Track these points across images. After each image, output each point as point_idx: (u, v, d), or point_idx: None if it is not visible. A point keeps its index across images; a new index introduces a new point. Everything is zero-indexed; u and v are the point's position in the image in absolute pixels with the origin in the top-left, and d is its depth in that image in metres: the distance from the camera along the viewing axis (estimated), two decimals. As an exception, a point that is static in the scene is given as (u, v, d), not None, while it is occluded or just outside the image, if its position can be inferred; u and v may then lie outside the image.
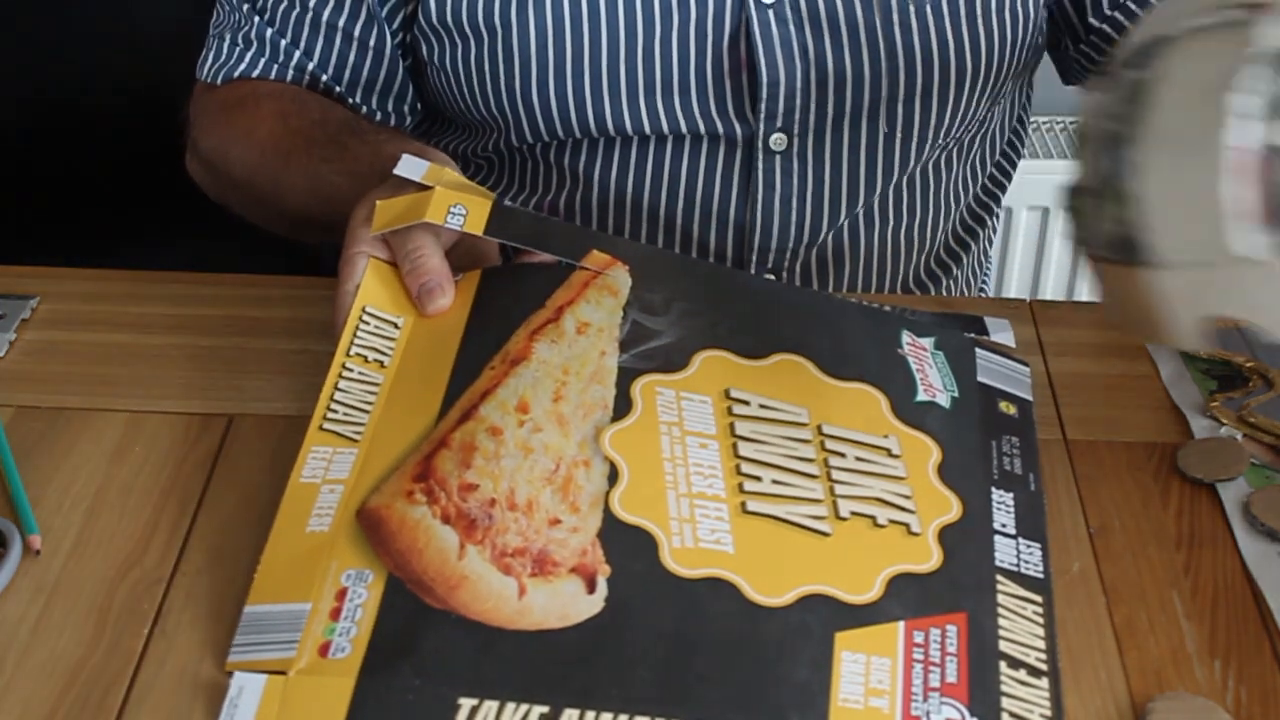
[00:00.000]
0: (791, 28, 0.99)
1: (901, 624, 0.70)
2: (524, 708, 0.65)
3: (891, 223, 1.08)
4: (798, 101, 1.01)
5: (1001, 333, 0.90)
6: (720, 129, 1.02)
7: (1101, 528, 0.80)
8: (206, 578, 0.76)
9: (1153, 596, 0.76)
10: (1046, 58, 1.12)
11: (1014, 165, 1.18)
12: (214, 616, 0.74)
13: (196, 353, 0.91)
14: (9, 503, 0.80)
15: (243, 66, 1.07)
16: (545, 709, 0.65)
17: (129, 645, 0.72)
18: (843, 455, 0.77)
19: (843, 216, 1.06)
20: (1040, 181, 1.79)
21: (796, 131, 1.02)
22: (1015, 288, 1.89)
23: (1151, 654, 0.73)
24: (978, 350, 0.87)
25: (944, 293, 1.15)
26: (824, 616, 0.69)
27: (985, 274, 1.24)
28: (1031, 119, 1.69)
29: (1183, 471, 0.83)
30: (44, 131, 1.41)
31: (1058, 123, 1.84)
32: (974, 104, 1.04)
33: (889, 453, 0.78)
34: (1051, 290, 1.88)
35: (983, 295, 1.23)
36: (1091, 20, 1.06)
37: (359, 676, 0.66)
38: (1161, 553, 0.78)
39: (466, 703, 0.65)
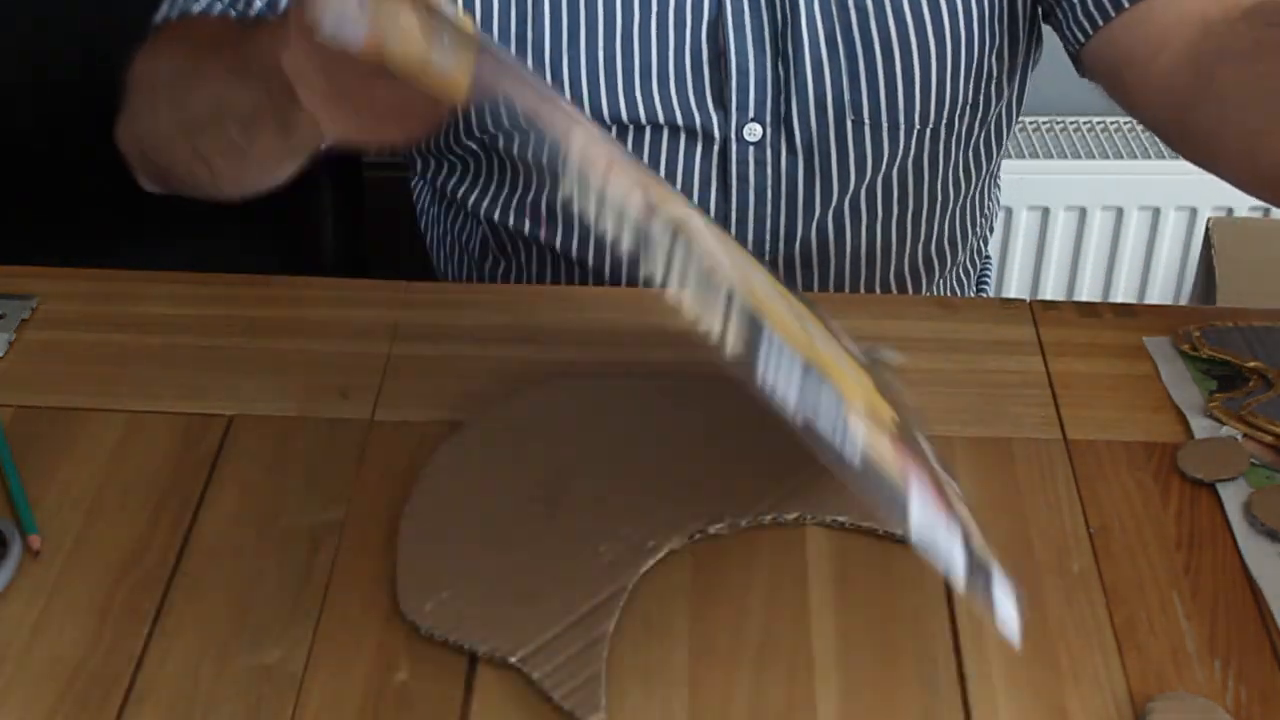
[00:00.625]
0: (764, 15, 1.00)
1: None
2: None
3: (880, 217, 1.08)
4: (769, 91, 1.01)
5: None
6: (697, 120, 1.02)
7: (1101, 528, 0.80)
8: (206, 578, 0.76)
9: (1153, 596, 0.76)
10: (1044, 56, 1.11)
11: (999, 163, 1.17)
12: (214, 616, 0.74)
13: (196, 353, 0.91)
14: (9, 503, 0.80)
15: (200, 4, 1.01)
16: None
17: (129, 645, 0.72)
18: None
19: (822, 211, 1.06)
20: (1040, 181, 1.80)
21: (769, 122, 1.02)
22: (1015, 288, 1.89)
23: (1151, 654, 0.73)
24: None
25: (932, 290, 1.15)
26: None
27: (984, 274, 1.24)
28: (1032, 119, 1.68)
29: (1183, 471, 0.83)
30: (44, 131, 1.41)
31: (1057, 123, 1.84)
32: (946, 89, 1.04)
33: None
34: (1051, 290, 1.88)
35: (983, 295, 1.23)
36: None
37: None
38: (1161, 553, 0.78)
39: None
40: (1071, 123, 1.84)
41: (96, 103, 1.40)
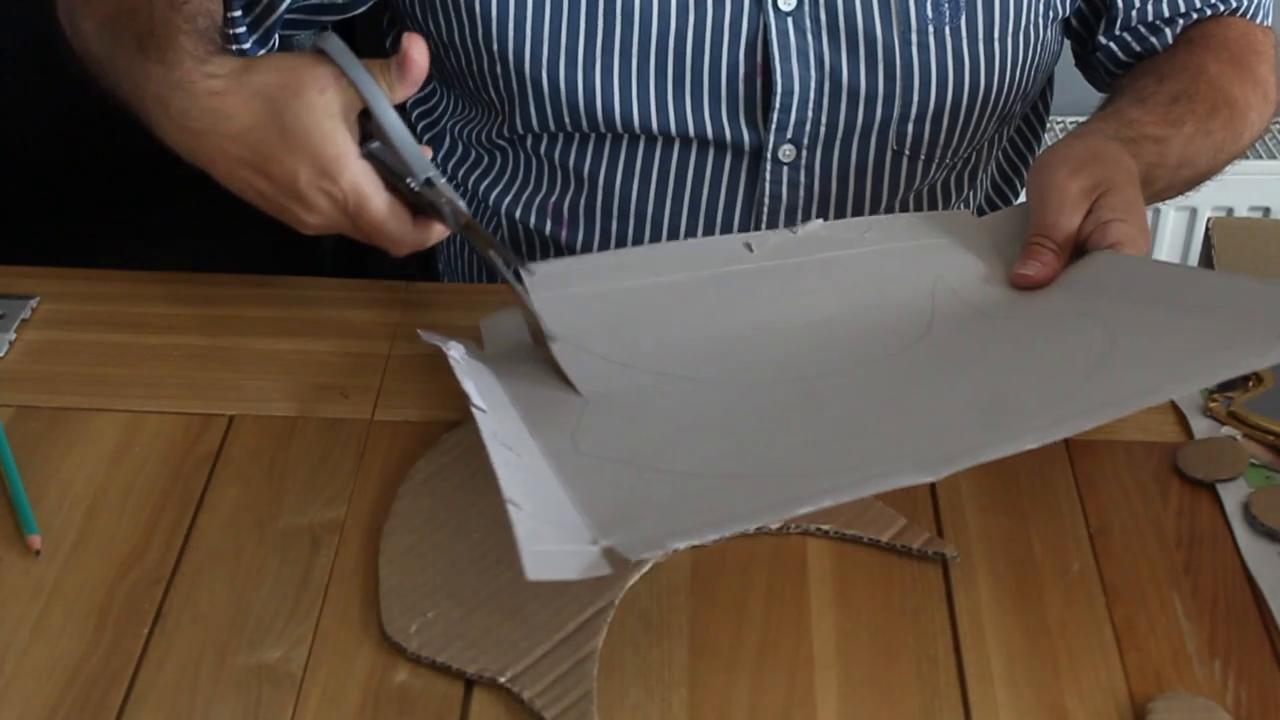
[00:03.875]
0: (809, 38, 0.99)
1: None
2: None
3: None
4: (809, 113, 1.00)
5: None
6: (729, 135, 1.01)
7: (1101, 528, 0.80)
8: (206, 578, 0.76)
9: (1153, 596, 0.76)
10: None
11: (1021, 180, 1.18)
12: (214, 616, 0.74)
13: (196, 353, 0.91)
14: (9, 503, 0.80)
15: None
16: None
17: (129, 645, 0.72)
18: None
19: None
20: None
21: (805, 144, 1.02)
22: (1015, 288, 1.88)
23: (1151, 654, 0.73)
24: None
25: None
26: None
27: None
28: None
29: (1183, 471, 0.83)
30: (44, 131, 1.41)
31: (1057, 123, 1.84)
32: (982, 124, 1.05)
33: None
34: (1052, 290, 1.88)
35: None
36: (1100, 38, 1.08)
37: None
38: (1161, 553, 0.78)
39: None
40: (1072, 122, 1.84)
41: (97, 104, 1.40)
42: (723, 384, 0.83)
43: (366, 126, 0.81)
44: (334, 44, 0.80)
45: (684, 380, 0.83)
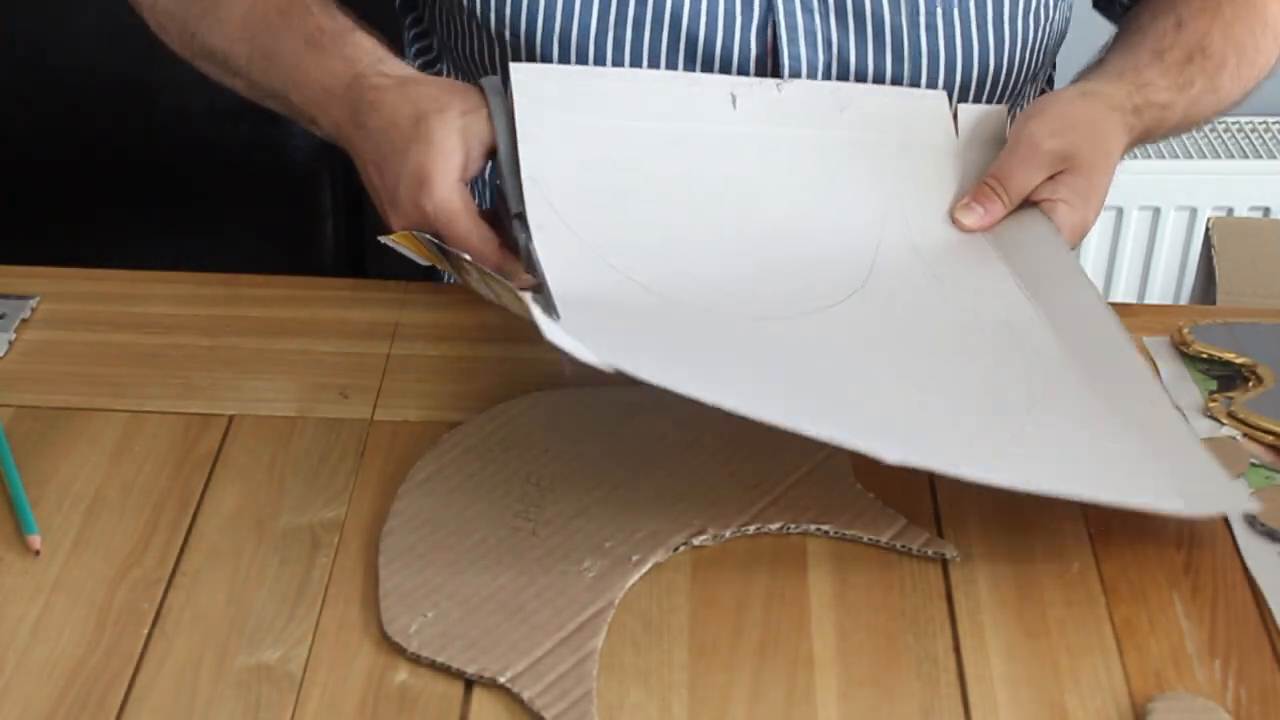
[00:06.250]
0: (817, 18, 0.99)
1: None
2: None
3: None
4: None
5: None
6: None
7: (1101, 528, 0.80)
8: (206, 578, 0.76)
9: (1153, 596, 0.76)
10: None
11: None
12: (214, 616, 0.74)
13: (196, 353, 0.92)
14: (9, 503, 0.80)
15: None
16: None
17: (129, 645, 0.72)
18: None
19: None
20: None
21: None
22: (1015, 288, 1.88)
23: (1151, 654, 0.73)
24: None
25: None
26: None
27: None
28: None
29: (1183, 471, 0.83)
30: (44, 131, 1.41)
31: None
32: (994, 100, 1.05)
33: None
34: (1051, 290, 1.88)
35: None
36: None
37: None
38: (1161, 553, 0.78)
39: None
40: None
41: (96, 104, 1.40)
42: (677, 303, 0.84)
43: (496, 164, 0.87)
44: (492, 83, 0.87)
45: (640, 289, 0.85)
